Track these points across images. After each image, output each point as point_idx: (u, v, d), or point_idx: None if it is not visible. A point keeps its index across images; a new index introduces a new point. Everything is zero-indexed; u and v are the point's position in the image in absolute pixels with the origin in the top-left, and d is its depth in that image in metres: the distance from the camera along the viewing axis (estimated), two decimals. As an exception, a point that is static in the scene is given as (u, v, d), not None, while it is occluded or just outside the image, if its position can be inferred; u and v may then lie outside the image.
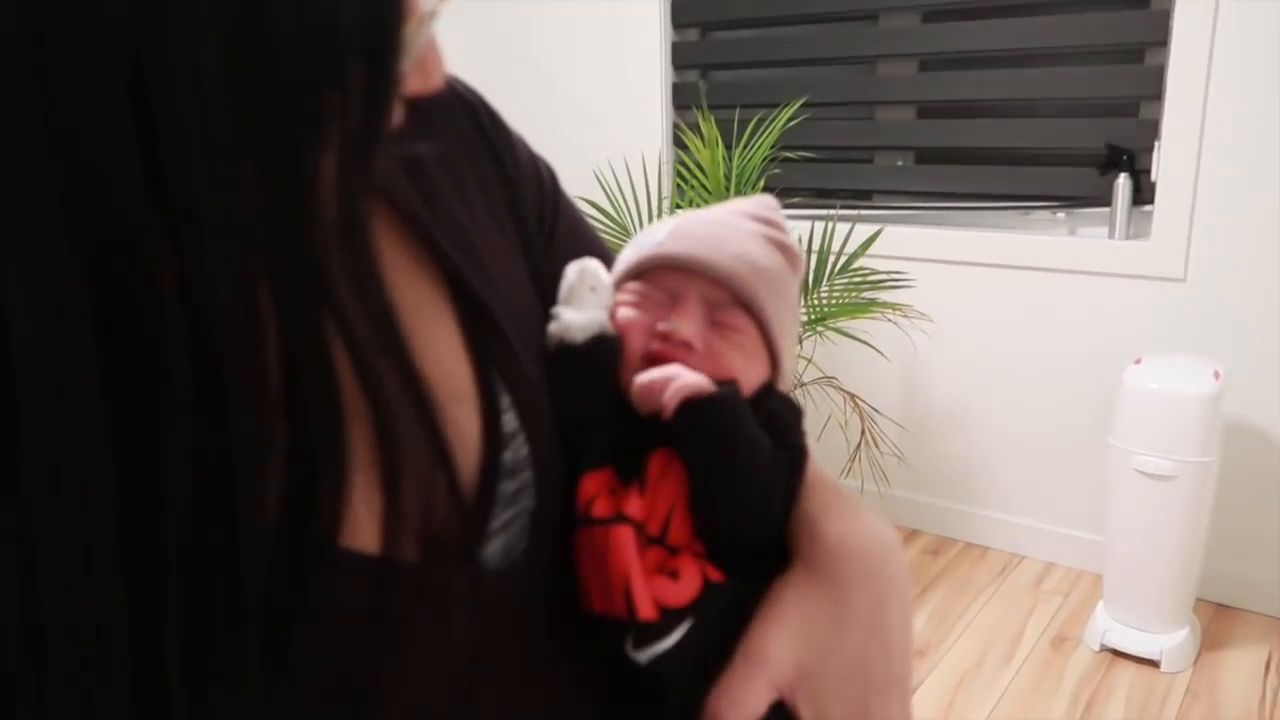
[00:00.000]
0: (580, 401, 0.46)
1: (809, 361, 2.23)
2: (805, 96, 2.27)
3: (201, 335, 0.28)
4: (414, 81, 0.35)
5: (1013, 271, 2.22)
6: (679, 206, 2.24)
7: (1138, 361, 1.88)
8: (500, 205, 0.49)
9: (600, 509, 0.43)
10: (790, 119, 2.12)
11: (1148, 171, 2.05)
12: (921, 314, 2.18)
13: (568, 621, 0.45)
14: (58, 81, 0.25)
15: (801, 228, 2.08)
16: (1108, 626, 1.94)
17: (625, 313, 0.48)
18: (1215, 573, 2.06)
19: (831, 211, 2.18)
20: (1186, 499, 1.81)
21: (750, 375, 0.47)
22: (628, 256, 0.50)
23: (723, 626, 0.44)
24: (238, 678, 0.31)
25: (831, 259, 2.09)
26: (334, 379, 0.32)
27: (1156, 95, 2.02)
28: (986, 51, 2.20)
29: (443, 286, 0.44)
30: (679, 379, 0.43)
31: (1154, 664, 1.89)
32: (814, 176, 2.45)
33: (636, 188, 2.24)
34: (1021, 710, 1.78)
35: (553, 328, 0.47)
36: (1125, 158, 2.06)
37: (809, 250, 2.08)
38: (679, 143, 2.51)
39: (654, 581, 0.42)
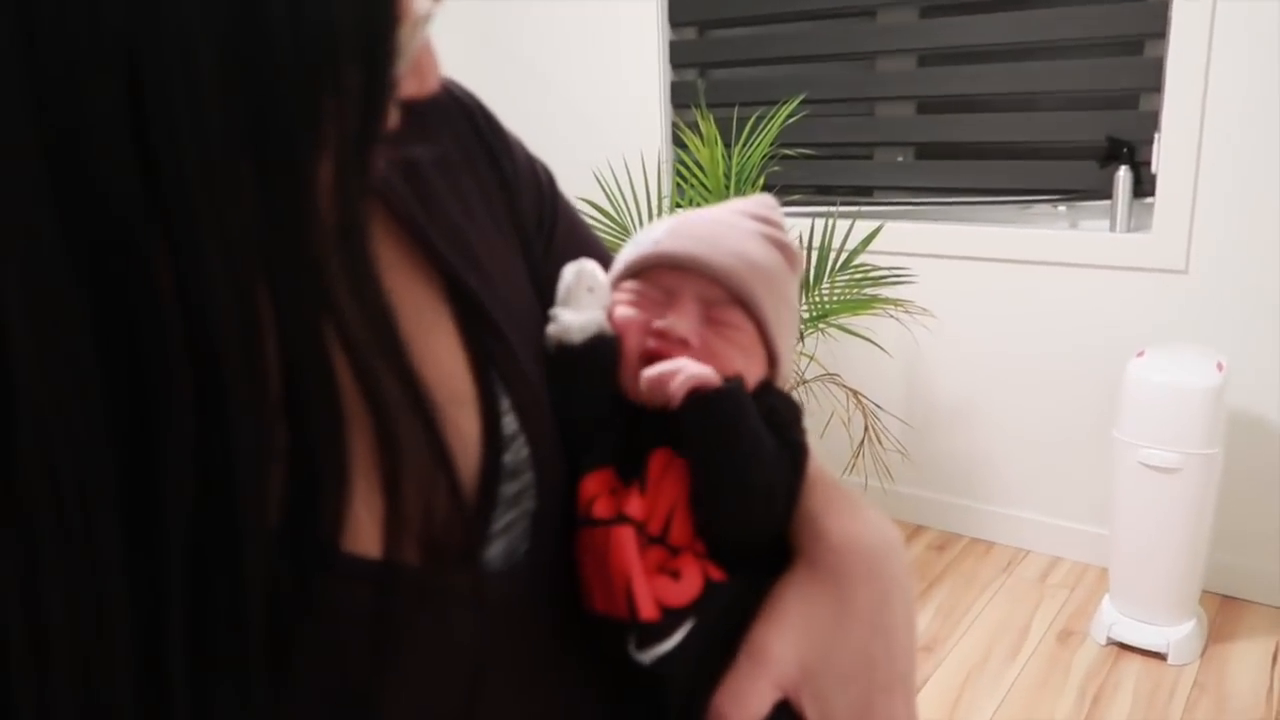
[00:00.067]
0: (580, 402, 0.46)
1: (811, 358, 2.23)
2: (804, 93, 2.27)
3: (200, 337, 0.28)
4: (410, 84, 0.35)
5: (1014, 266, 2.21)
6: (679, 206, 2.24)
7: (1140, 354, 1.88)
8: (498, 207, 0.49)
9: (601, 509, 0.43)
10: (789, 116, 2.12)
11: (1148, 163, 2.05)
12: (923, 309, 2.18)
13: (570, 622, 0.45)
14: (53, 85, 0.25)
15: (802, 225, 2.08)
16: (1114, 620, 1.93)
17: (622, 311, 0.48)
18: (1221, 564, 2.06)
19: (832, 208, 2.18)
20: (1191, 491, 1.80)
21: (747, 372, 0.47)
22: (626, 255, 0.50)
23: (725, 626, 0.44)
24: (241, 681, 0.31)
25: (832, 256, 2.08)
26: (333, 382, 0.32)
27: (1156, 87, 2.01)
28: (985, 45, 2.20)
29: (441, 289, 0.44)
30: (686, 369, 0.43)
31: (1161, 657, 1.88)
32: (814, 173, 2.45)
33: (636, 187, 2.24)
34: (1028, 705, 1.78)
35: (551, 329, 0.47)
36: (1125, 150, 2.06)
37: (810, 247, 2.08)
38: (678, 141, 2.51)
39: (655, 581, 0.42)
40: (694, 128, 2.22)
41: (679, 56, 2.59)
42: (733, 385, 0.44)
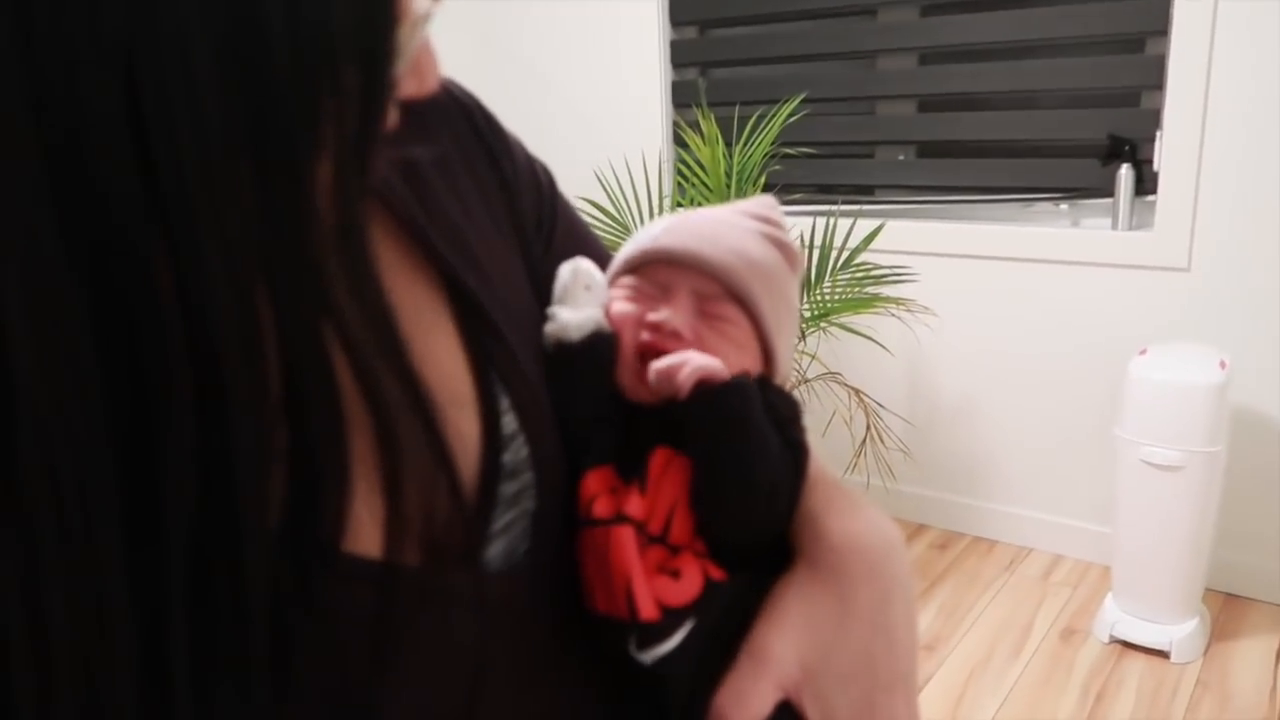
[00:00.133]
0: (580, 400, 0.46)
1: (813, 357, 2.22)
2: (805, 92, 2.27)
3: (200, 338, 0.28)
4: (409, 85, 0.35)
5: (1016, 264, 2.21)
6: (680, 205, 2.23)
7: (1143, 352, 1.87)
8: (497, 207, 0.49)
9: (601, 509, 0.43)
10: (790, 115, 2.12)
11: (1150, 161, 2.04)
12: (925, 308, 2.18)
13: (571, 623, 0.45)
14: (51, 86, 0.25)
15: (803, 224, 2.08)
16: (1117, 618, 1.93)
17: (619, 307, 0.48)
18: (1224, 562, 2.06)
19: (833, 207, 2.18)
20: (1194, 489, 1.80)
21: (740, 366, 0.47)
22: (624, 252, 0.51)
23: (726, 626, 0.44)
24: (242, 681, 0.31)
25: (834, 254, 2.08)
26: (333, 383, 0.32)
27: (1158, 85, 2.01)
28: (986, 43, 2.20)
29: (440, 289, 0.44)
30: (693, 361, 0.44)
31: (1164, 655, 1.88)
32: (815, 172, 2.45)
33: (637, 187, 2.24)
34: (1031, 703, 1.78)
35: (549, 328, 0.47)
36: (1127, 148, 2.06)
37: (811, 246, 2.08)
38: (679, 141, 2.51)
39: (655, 581, 0.42)
40: (695, 127, 2.22)
41: (680, 56, 2.59)
42: (740, 380, 0.44)
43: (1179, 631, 1.88)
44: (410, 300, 0.42)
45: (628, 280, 0.49)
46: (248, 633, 0.31)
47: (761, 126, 2.12)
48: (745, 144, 2.12)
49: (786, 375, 0.53)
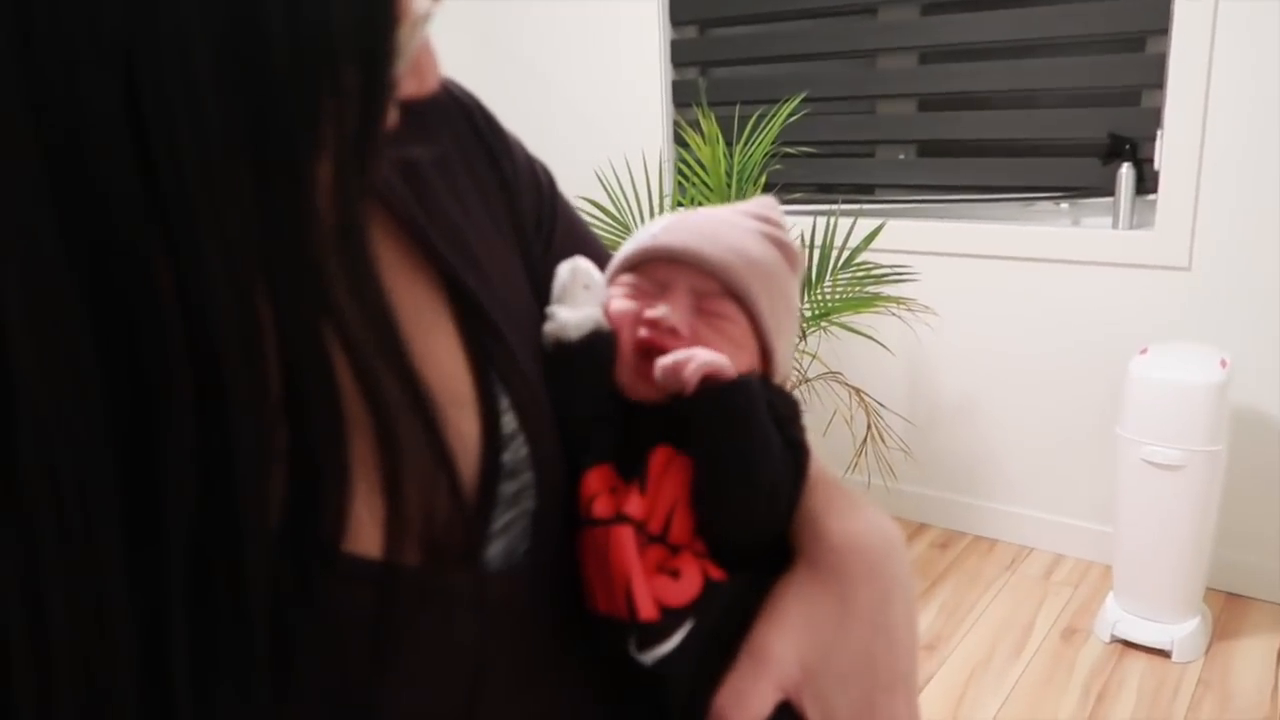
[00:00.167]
0: (579, 399, 0.46)
1: (813, 357, 2.22)
2: (805, 91, 2.27)
3: (200, 338, 0.28)
4: (409, 85, 0.35)
5: (1016, 263, 2.21)
6: (680, 204, 2.23)
7: (1144, 351, 1.87)
8: (497, 207, 0.49)
9: (600, 509, 0.43)
10: (790, 114, 2.12)
11: (1151, 160, 2.04)
12: (925, 307, 2.18)
13: (572, 622, 0.45)
14: (50, 86, 0.25)
15: (804, 223, 2.08)
16: (1118, 617, 1.93)
17: (618, 305, 0.48)
18: (1225, 562, 2.06)
19: (833, 206, 2.18)
20: (1195, 488, 1.80)
21: (737, 363, 0.47)
22: (624, 250, 0.51)
23: (726, 626, 0.44)
24: (243, 681, 0.31)
25: (834, 254, 2.08)
26: (334, 384, 0.32)
27: (1158, 83, 2.01)
28: (986, 42, 2.19)
29: (440, 289, 0.44)
30: (699, 356, 0.44)
31: (1165, 654, 1.88)
32: (815, 172, 2.45)
33: (638, 186, 2.24)
34: (1032, 703, 1.78)
35: (548, 327, 0.47)
36: (1128, 147, 2.05)
37: (812, 245, 2.08)
38: (680, 140, 2.51)
39: (655, 581, 0.42)
40: (695, 126, 2.22)
41: (680, 55, 2.59)
42: (746, 378, 0.45)
43: (1180, 631, 1.88)
44: (410, 300, 0.42)
45: (627, 278, 0.50)
46: (248, 633, 0.31)
47: (762, 126, 2.12)
48: (746, 143, 2.12)
49: (786, 375, 0.53)
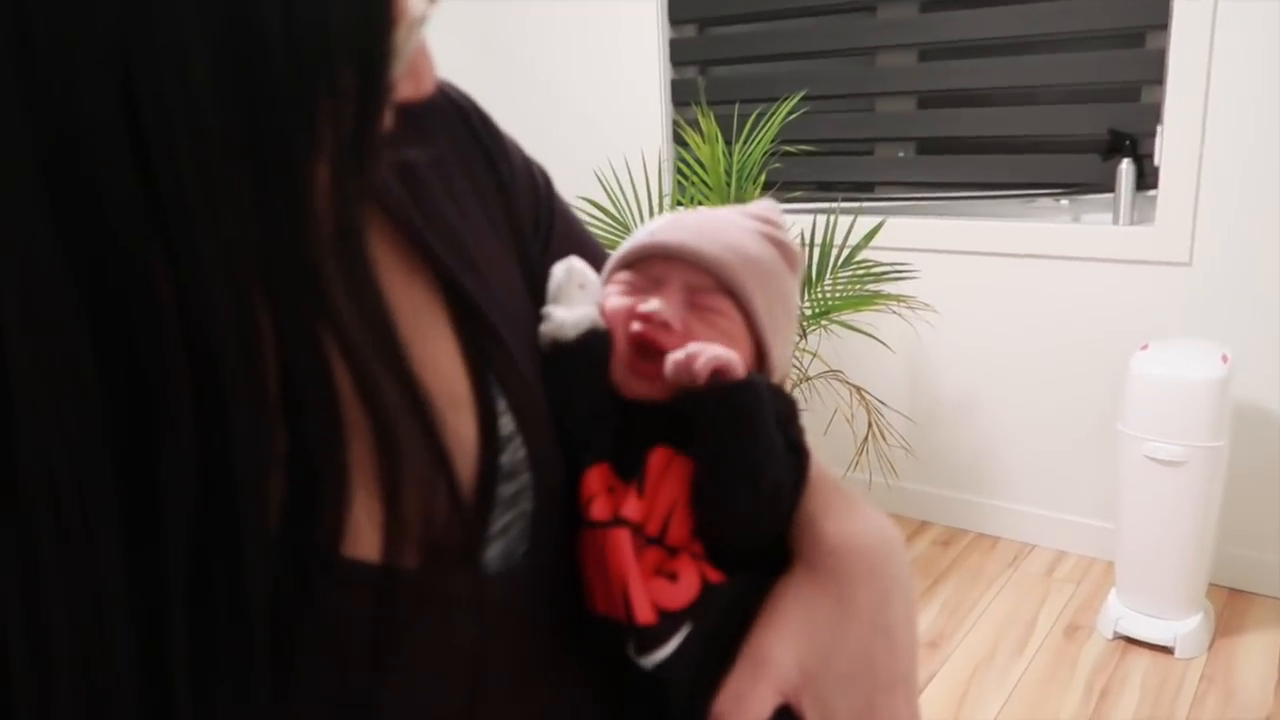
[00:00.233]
0: (577, 398, 0.46)
1: (814, 355, 2.22)
2: (804, 89, 2.27)
3: (199, 344, 0.28)
4: (405, 87, 0.35)
5: (1017, 260, 2.21)
6: (680, 204, 2.23)
7: (1145, 347, 1.87)
8: (494, 209, 0.49)
9: (598, 511, 0.43)
10: (790, 113, 2.12)
11: (1150, 156, 2.04)
12: (926, 305, 2.18)
13: (571, 624, 0.45)
14: (46, 91, 0.25)
15: (803, 221, 2.08)
16: (1120, 614, 1.93)
17: (613, 302, 0.49)
18: (1228, 557, 2.05)
19: (833, 204, 2.18)
20: (1197, 484, 1.80)
21: None
22: (620, 249, 0.51)
23: (725, 628, 0.44)
24: (242, 684, 0.31)
25: (834, 252, 2.08)
26: (332, 388, 0.32)
27: (1158, 79, 2.00)
28: (986, 39, 2.19)
29: (437, 291, 0.44)
30: (708, 350, 0.44)
31: (1168, 651, 1.88)
32: (815, 170, 2.44)
33: (637, 186, 2.24)
34: (1035, 700, 1.78)
35: (544, 327, 0.47)
36: (1128, 143, 2.05)
37: (812, 244, 2.07)
38: (679, 139, 2.50)
39: (652, 584, 0.42)
40: (695, 125, 2.22)
41: (679, 54, 2.58)
42: (754, 378, 0.45)
43: (1183, 627, 1.87)
44: (408, 302, 0.42)
45: (622, 276, 0.50)
46: (247, 634, 0.31)
47: (761, 124, 2.12)
48: (745, 142, 2.12)
49: (785, 375, 0.53)
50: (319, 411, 0.32)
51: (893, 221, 2.20)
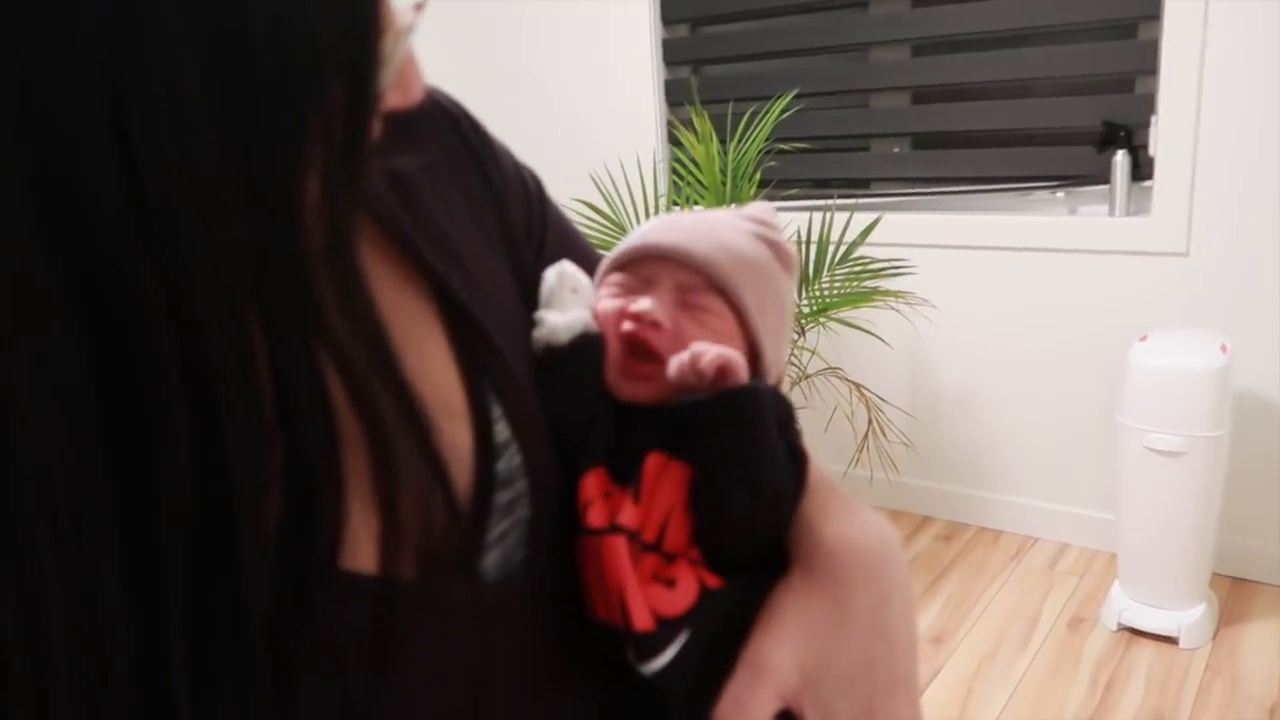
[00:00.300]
0: (572, 402, 0.46)
1: (813, 353, 2.22)
2: (798, 87, 2.27)
3: (193, 361, 0.28)
4: (394, 97, 0.35)
5: (1014, 253, 2.21)
6: (676, 204, 2.23)
7: (1143, 338, 1.87)
8: (487, 216, 0.49)
9: (595, 518, 0.43)
10: (784, 110, 2.12)
11: (1145, 147, 2.04)
12: (923, 300, 2.18)
13: (571, 632, 0.45)
14: (35, 113, 0.25)
15: (800, 219, 2.08)
16: (1124, 605, 1.93)
17: (605, 304, 0.49)
18: (1231, 546, 2.05)
19: (829, 201, 2.18)
20: (1198, 474, 1.80)
21: None
22: (613, 251, 0.51)
23: (724, 634, 0.43)
24: (244, 700, 0.31)
25: (831, 249, 2.08)
26: (327, 401, 0.32)
27: (1151, 70, 2.01)
28: (978, 33, 2.19)
29: (430, 299, 0.44)
30: (713, 349, 0.44)
31: (1173, 641, 1.88)
32: (810, 167, 2.44)
33: (632, 187, 2.24)
34: (1041, 694, 1.78)
35: (538, 332, 0.47)
36: (1122, 134, 2.05)
37: (808, 241, 2.07)
38: (674, 140, 2.50)
39: (650, 590, 0.42)
40: (689, 125, 2.22)
41: (672, 54, 2.58)
42: (758, 383, 0.45)
43: (1187, 617, 1.88)
44: (401, 312, 0.42)
45: (615, 277, 0.50)
46: (247, 648, 0.31)
47: (755, 123, 2.12)
48: (740, 141, 2.12)
49: (781, 374, 0.53)
50: (314, 424, 0.32)
51: (889, 217, 2.20)
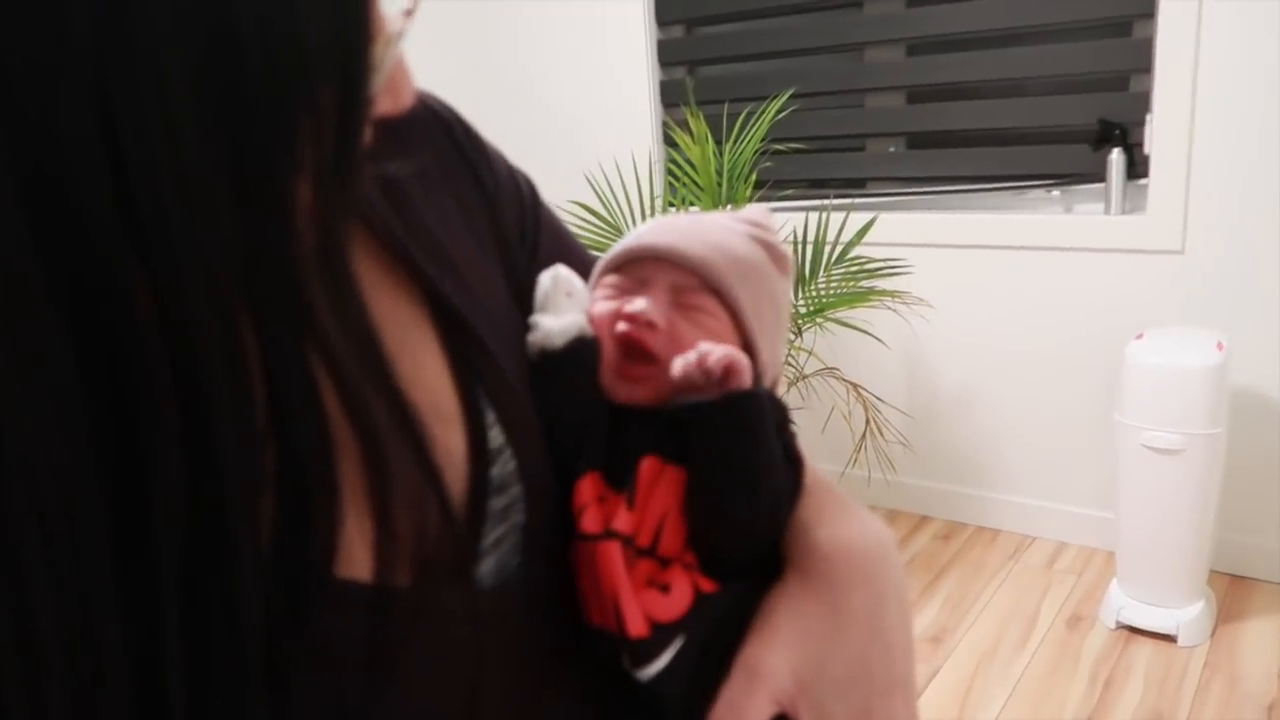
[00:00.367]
0: (567, 406, 0.46)
1: (810, 353, 2.22)
2: (793, 87, 2.27)
3: (185, 368, 0.28)
4: (384, 102, 0.35)
5: (1010, 252, 2.21)
6: (671, 205, 2.23)
7: (1140, 336, 1.87)
8: (480, 221, 0.49)
9: (589, 523, 0.43)
10: (779, 111, 2.12)
11: (1140, 145, 2.04)
12: (920, 300, 2.18)
13: (568, 636, 0.44)
14: (24, 116, 0.25)
15: (796, 219, 2.08)
16: (1123, 604, 1.93)
17: (600, 306, 0.49)
18: (1228, 544, 2.06)
19: (825, 201, 2.18)
20: (1195, 472, 1.80)
21: None
22: (608, 253, 0.51)
23: (719, 638, 0.43)
24: (239, 708, 0.31)
25: (827, 249, 2.08)
26: (320, 405, 0.32)
27: (1146, 68, 2.01)
28: (973, 32, 2.19)
29: (423, 305, 0.44)
30: (718, 349, 0.44)
31: (1171, 639, 1.88)
32: (806, 167, 2.45)
33: (628, 189, 2.24)
34: (1040, 693, 1.78)
35: (532, 336, 0.47)
36: (1117, 132, 2.05)
37: (804, 242, 2.07)
38: (669, 140, 2.50)
39: (645, 596, 0.42)
40: (684, 126, 2.22)
41: (667, 55, 2.58)
42: (759, 388, 0.45)
43: (1185, 615, 1.88)
44: (393, 317, 0.42)
45: (610, 279, 0.50)
46: (243, 656, 0.31)
47: (751, 123, 2.12)
48: (735, 141, 2.12)
49: (776, 377, 0.53)
50: (307, 429, 0.32)
51: (885, 217, 2.20)
